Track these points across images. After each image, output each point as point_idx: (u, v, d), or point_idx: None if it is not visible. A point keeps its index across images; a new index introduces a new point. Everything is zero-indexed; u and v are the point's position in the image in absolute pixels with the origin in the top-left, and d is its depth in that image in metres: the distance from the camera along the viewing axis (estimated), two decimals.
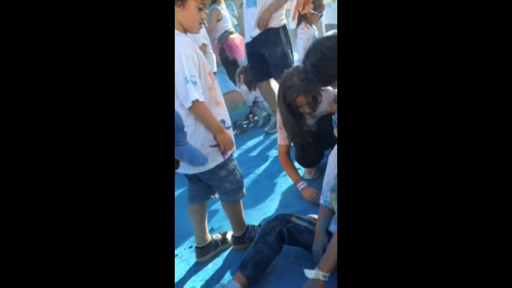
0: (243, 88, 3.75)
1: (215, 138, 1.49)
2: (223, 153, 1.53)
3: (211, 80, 1.51)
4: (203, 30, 3.18)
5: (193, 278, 1.68)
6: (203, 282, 1.62)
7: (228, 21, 4.13)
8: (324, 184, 1.53)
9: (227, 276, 1.60)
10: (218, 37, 4.12)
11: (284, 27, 2.82)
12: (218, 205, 2.07)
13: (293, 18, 2.82)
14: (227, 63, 4.30)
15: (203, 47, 3.18)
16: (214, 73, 3.52)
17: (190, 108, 1.39)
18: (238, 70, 3.95)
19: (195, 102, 1.38)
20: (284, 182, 2.29)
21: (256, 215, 2.00)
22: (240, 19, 3.80)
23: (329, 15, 4.96)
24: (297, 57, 3.94)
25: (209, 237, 1.78)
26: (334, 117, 1.48)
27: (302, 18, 3.31)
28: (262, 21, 2.70)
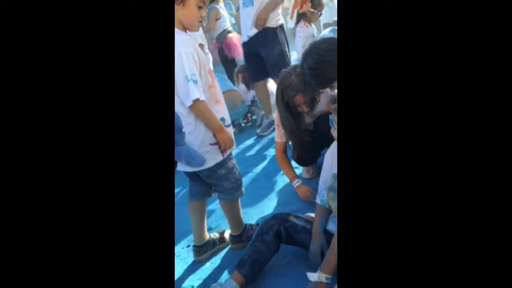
0: (241, 87, 3.74)
1: (215, 136, 1.49)
2: (222, 152, 1.53)
3: (211, 78, 1.51)
4: (199, 31, 3.16)
5: (191, 277, 1.67)
6: (201, 281, 1.62)
7: (227, 20, 4.13)
8: (320, 183, 1.53)
9: (225, 275, 1.61)
10: (216, 36, 4.11)
11: (281, 26, 2.82)
12: (216, 204, 2.07)
13: (291, 17, 2.82)
14: (226, 62, 4.29)
15: (200, 48, 3.17)
16: None
17: (191, 107, 1.39)
18: (236, 69, 3.94)
19: (196, 101, 1.37)
20: (282, 181, 2.29)
21: (254, 214, 2.01)
22: (238, 18, 3.80)
23: (326, 14, 5.20)
24: (295, 56, 3.95)
25: (207, 235, 1.78)
26: (331, 117, 1.48)
27: (301, 16, 3.32)
28: (259, 21, 2.69)
